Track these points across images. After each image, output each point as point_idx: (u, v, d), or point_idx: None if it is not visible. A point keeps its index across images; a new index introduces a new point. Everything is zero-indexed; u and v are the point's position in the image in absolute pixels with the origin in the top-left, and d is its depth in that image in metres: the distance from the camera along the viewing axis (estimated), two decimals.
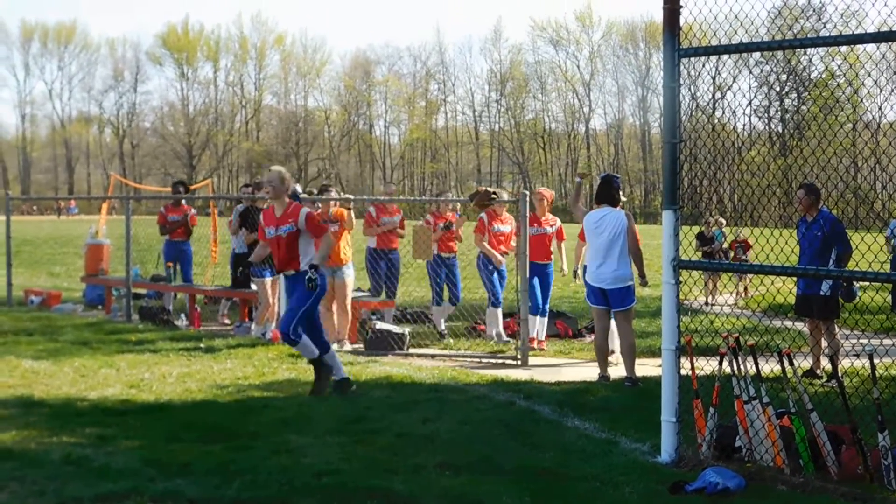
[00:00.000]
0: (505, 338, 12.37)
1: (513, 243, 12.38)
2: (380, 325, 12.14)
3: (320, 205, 12.23)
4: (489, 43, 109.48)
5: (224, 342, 11.78)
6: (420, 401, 8.45)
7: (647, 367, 10.00)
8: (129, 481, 5.79)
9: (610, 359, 10.22)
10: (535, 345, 11.75)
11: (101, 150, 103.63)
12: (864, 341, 11.82)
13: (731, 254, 18.67)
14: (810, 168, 8.22)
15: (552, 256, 12.37)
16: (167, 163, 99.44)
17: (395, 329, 12.01)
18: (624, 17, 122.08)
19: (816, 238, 9.84)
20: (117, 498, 5.52)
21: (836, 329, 10.14)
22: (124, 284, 14.75)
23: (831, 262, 9.78)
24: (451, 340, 12.65)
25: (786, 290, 13.84)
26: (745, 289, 19.01)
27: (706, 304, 17.92)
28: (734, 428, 6.59)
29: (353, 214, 12.28)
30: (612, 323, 10.24)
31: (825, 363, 10.07)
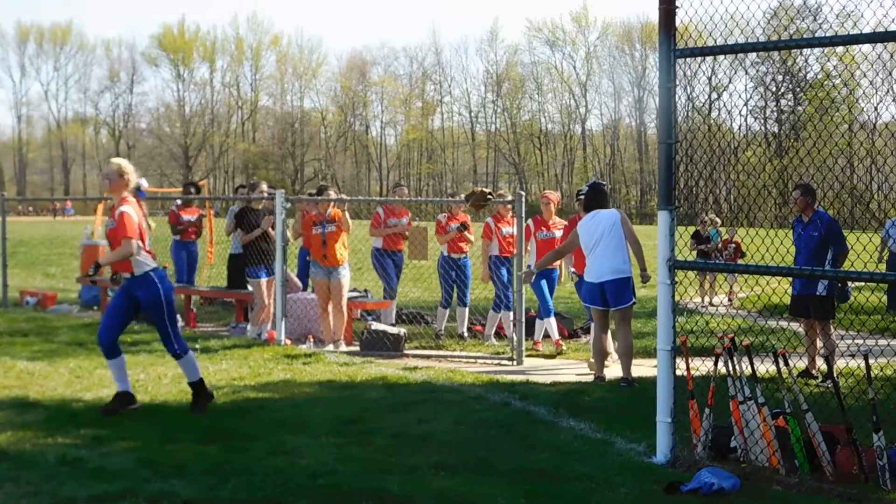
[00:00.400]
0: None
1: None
2: (375, 325, 12.14)
3: (314, 206, 12.21)
4: (485, 43, 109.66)
5: (220, 343, 11.78)
6: (415, 401, 8.45)
7: (642, 368, 10.01)
8: (124, 482, 5.79)
9: (605, 360, 10.18)
10: (556, 346, 11.77)
11: (97, 151, 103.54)
12: (860, 342, 11.84)
13: (725, 252, 18.58)
14: (806, 168, 8.23)
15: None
16: (163, 164, 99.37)
17: (391, 330, 12.00)
18: (620, 18, 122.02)
19: (812, 238, 9.84)
20: (112, 499, 5.52)
21: (832, 329, 10.14)
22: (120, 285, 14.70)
23: (827, 262, 9.79)
24: (447, 341, 12.63)
25: (781, 290, 13.85)
26: (730, 290, 18.85)
27: (702, 304, 17.93)
28: (729, 428, 6.59)
29: (348, 216, 12.24)
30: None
31: (821, 363, 10.08)
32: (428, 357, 11.49)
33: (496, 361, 11.20)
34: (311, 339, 12.21)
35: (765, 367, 7.38)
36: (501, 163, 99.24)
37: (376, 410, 8.10)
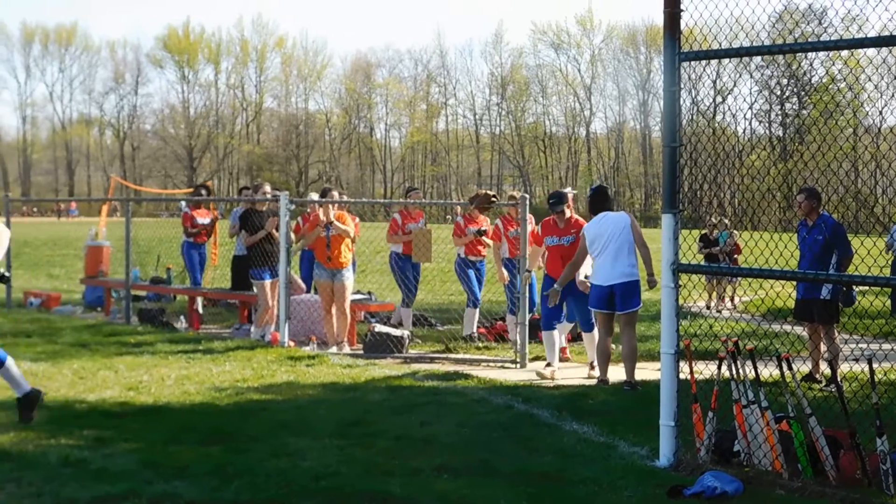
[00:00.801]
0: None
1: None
2: (378, 327, 12.13)
3: (313, 207, 12.18)
4: (490, 46, 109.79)
5: (223, 345, 11.78)
6: (418, 404, 8.45)
7: (646, 371, 10.00)
8: (126, 483, 5.80)
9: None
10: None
11: (101, 153, 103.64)
12: (864, 346, 11.81)
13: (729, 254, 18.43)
14: (810, 172, 8.22)
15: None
16: (168, 165, 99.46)
17: (394, 332, 11.99)
18: (625, 21, 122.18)
19: (817, 242, 9.83)
20: (115, 500, 5.53)
21: (836, 333, 10.12)
22: (124, 286, 14.75)
23: (832, 266, 9.78)
24: (451, 343, 12.61)
25: (785, 294, 13.83)
26: (723, 294, 18.55)
27: (707, 308, 17.85)
28: (733, 432, 6.58)
29: (348, 226, 12.15)
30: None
31: (824, 368, 10.06)
32: (431, 359, 11.49)
33: (499, 364, 11.20)
34: (315, 341, 12.22)
35: (768, 371, 7.38)
36: (506, 165, 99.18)
37: (379, 413, 8.10)
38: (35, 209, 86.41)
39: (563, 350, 11.62)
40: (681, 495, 5.76)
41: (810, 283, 9.86)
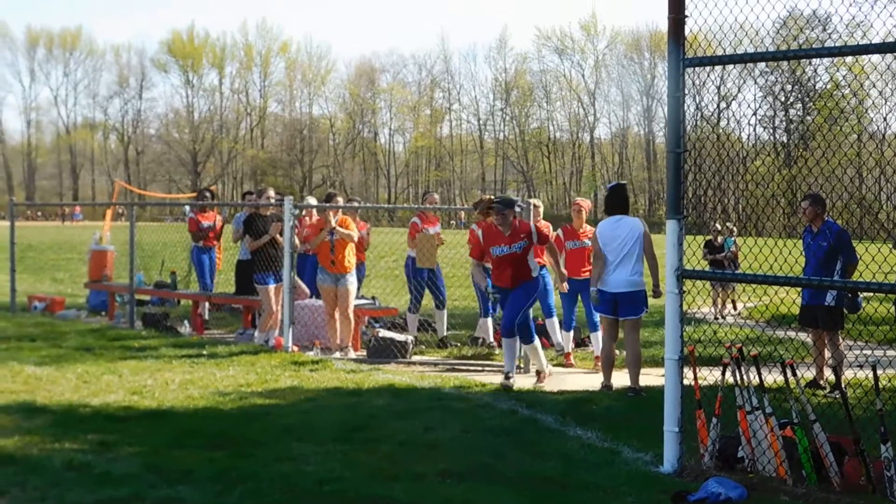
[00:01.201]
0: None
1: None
2: (382, 332, 12.13)
3: (310, 213, 12.15)
4: (494, 51, 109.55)
5: (227, 349, 11.78)
6: (422, 409, 8.45)
7: (649, 377, 9.98)
8: (130, 487, 5.80)
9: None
10: (566, 360, 11.59)
11: (105, 157, 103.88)
12: (868, 352, 11.81)
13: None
14: (815, 178, 8.21)
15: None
16: (172, 169, 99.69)
17: (398, 337, 12.00)
18: (629, 27, 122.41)
19: (821, 248, 9.82)
20: None
21: (840, 340, 10.11)
22: (128, 291, 14.77)
23: (836, 272, 9.77)
24: (455, 347, 12.60)
25: (789, 300, 13.81)
26: (727, 300, 18.31)
27: (715, 318, 17.70)
28: (737, 438, 6.58)
29: (352, 231, 12.14)
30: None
31: (828, 374, 10.05)
32: (435, 364, 11.49)
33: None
34: (319, 346, 12.22)
35: (772, 378, 7.38)
36: (510, 171, 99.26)
37: (383, 417, 8.10)
38: (39, 213, 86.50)
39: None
40: (685, 501, 5.75)
41: (815, 290, 9.85)
